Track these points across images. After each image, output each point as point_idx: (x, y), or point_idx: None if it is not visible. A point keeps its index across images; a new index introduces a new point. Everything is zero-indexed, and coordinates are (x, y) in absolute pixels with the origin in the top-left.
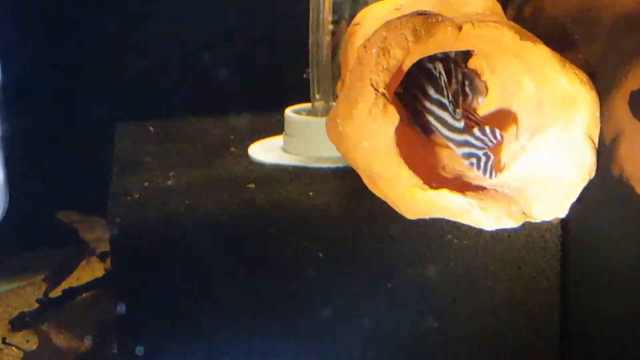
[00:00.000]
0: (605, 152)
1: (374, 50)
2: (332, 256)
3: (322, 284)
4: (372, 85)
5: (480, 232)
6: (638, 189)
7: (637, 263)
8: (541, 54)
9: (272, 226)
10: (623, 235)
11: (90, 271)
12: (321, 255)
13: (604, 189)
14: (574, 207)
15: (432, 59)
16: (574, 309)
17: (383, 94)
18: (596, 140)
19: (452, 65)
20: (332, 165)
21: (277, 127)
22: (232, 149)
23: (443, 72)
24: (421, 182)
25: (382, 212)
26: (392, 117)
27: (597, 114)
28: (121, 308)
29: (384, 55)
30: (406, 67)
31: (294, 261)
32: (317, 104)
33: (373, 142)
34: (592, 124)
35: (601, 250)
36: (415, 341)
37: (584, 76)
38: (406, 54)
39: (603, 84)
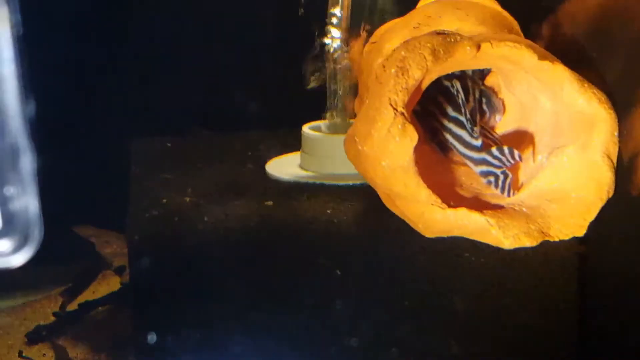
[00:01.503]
0: (624, 171)
1: (392, 70)
2: (350, 274)
3: (340, 302)
4: (390, 104)
5: (497, 250)
6: None
7: None
8: (559, 73)
9: (290, 243)
10: None
11: (106, 285)
12: (339, 272)
13: (622, 208)
14: (593, 227)
15: (450, 76)
16: (593, 328)
17: (402, 113)
18: (615, 160)
19: (470, 83)
20: (350, 182)
21: (294, 144)
22: (249, 165)
23: (460, 90)
24: (439, 200)
25: (400, 231)
26: (410, 136)
27: (616, 133)
28: (139, 324)
29: (402, 74)
30: (424, 86)
31: (312, 279)
32: (334, 121)
33: (392, 161)
34: (611, 143)
35: (620, 269)
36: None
37: (602, 95)
38: (425, 74)
39: (621, 103)
